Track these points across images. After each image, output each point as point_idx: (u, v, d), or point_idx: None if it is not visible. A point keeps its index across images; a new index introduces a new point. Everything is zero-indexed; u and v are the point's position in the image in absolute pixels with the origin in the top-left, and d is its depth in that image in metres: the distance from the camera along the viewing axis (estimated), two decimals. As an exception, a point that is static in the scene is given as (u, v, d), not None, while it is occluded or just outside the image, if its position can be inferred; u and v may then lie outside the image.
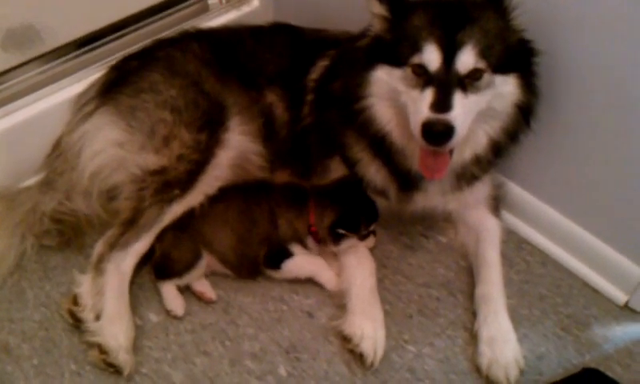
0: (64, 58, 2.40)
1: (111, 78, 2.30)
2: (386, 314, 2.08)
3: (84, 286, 2.05)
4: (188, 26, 2.55)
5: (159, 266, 2.13)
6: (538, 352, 2.04)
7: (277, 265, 2.16)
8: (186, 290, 2.16)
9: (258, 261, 2.17)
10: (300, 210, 2.17)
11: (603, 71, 1.91)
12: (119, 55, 2.41)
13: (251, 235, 2.15)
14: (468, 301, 2.16)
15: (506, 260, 2.23)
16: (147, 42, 2.43)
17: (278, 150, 2.33)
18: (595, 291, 2.21)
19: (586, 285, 2.23)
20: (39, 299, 2.16)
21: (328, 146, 2.22)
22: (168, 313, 2.11)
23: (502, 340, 1.99)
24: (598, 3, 1.82)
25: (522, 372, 1.97)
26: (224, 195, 2.19)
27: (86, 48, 2.44)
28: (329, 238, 2.13)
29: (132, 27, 2.53)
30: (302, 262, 2.18)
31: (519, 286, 2.20)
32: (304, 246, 2.19)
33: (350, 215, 2.12)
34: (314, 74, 2.26)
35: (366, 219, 2.15)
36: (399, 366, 2.02)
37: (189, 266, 2.11)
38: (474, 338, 2.04)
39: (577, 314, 2.15)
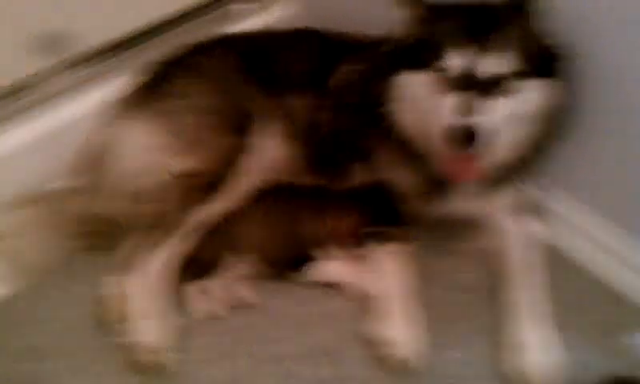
0: (95, 63, 2.44)
1: (141, 83, 2.33)
2: (420, 319, 2.07)
3: (111, 287, 2.09)
4: (215, 31, 2.58)
5: (187, 267, 2.15)
6: (569, 359, 2.00)
7: (300, 268, 2.17)
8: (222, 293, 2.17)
9: (282, 263, 2.18)
10: (325, 213, 2.19)
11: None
12: (148, 60, 2.43)
13: (276, 238, 2.16)
14: (497, 306, 2.13)
15: (536, 265, 2.19)
16: (177, 47, 2.46)
17: (303, 154, 2.34)
18: (625, 299, 2.17)
19: (615, 292, 2.19)
20: (67, 300, 2.18)
21: (352, 151, 2.22)
22: (193, 315, 2.12)
23: (532, 346, 1.97)
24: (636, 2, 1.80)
25: (551, 379, 1.94)
26: (252, 197, 2.21)
27: (116, 53, 2.48)
28: (354, 241, 2.13)
29: (161, 32, 2.56)
30: (327, 267, 2.18)
31: (550, 292, 2.15)
32: (329, 250, 2.19)
33: (373, 214, 2.12)
34: (338, 78, 2.27)
35: (391, 221, 2.14)
36: (424, 370, 2.00)
37: (215, 268, 2.13)
38: (503, 343, 2.02)
39: (605, 322, 2.11)
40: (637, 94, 1.93)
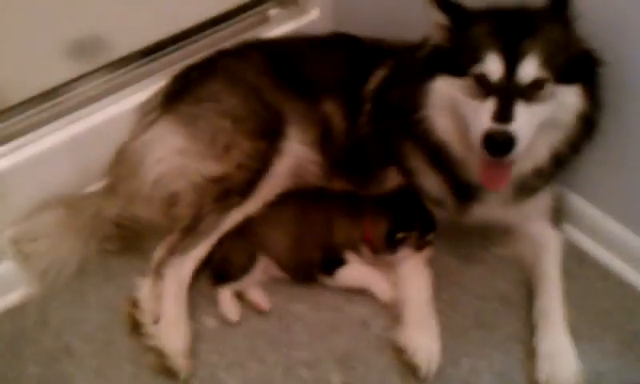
0: (128, 68, 2.45)
1: (174, 88, 2.35)
2: (442, 326, 2.06)
3: (144, 290, 2.10)
4: (248, 36, 2.60)
5: (217, 270, 2.17)
6: (598, 369, 1.99)
7: (330, 271, 2.17)
8: (242, 297, 2.18)
9: (312, 266, 2.18)
10: (355, 217, 2.19)
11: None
12: (181, 65, 2.46)
13: (306, 239, 2.17)
14: (526, 314, 2.12)
15: (566, 274, 2.17)
16: (209, 52, 2.48)
17: (335, 159, 2.33)
18: (659, 308, 2.15)
19: (650, 301, 2.18)
20: (100, 302, 2.20)
21: (385, 156, 2.22)
22: (223, 318, 2.12)
23: (560, 356, 1.95)
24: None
25: (581, 387, 1.93)
26: (281, 198, 2.22)
27: (150, 58, 2.49)
28: (385, 247, 2.13)
29: (194, 37, 2.57)
30: (355, 271, 2.18)
31: (580, 301, 2.14)
32: (359, 254, 2.19)
33: (405, 218, 2.12)
34: (372, 83, 2.27)
35: (422, 226, 2.14)
36: (454, 379, 1.99)
37: (245, 269, 2.14)
38: (531, 352, 2.00)
39: (638, 331, 2.09)
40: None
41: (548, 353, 1.96)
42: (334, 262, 2.17)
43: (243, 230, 2.17)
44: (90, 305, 2.20)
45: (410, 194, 2.17)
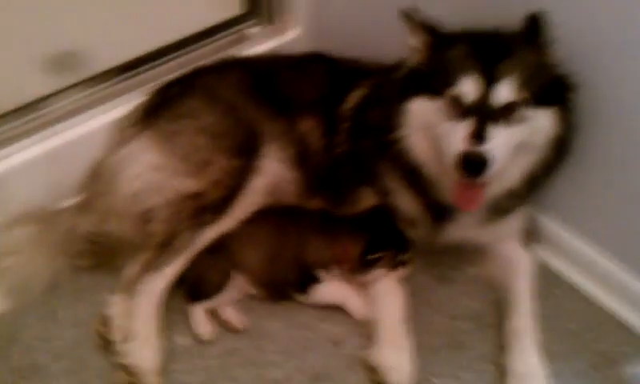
0: (105, 84, 2.45)
1: (151, 104, 2.35)
2: (415, 345, 2.06)
3: (115, 307, 2.08)
4: (228, 54, 2.62)
5: (192, 287, 2.15)
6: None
7: (305, 289, 2.17)
8: (215, 315, 2.17)
9: (287, 284, 2.18)
10: (330, 237, 2.19)
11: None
12: (160, 81, 2.46)
13: (281, 258, 2.17)
14: (497, 334, 2.14)
15: (537, 294, 2.20)
16: (188, 69, 2.49)
17: (312, 177, 2.34)
18: (627, 328, 2.19)
19: (617, 322, 2.21)
20: (70, 319, 2.17)
21: (361, 175, 2.23)
22: (196, 337, 2.11)
23: (531, 376, 1.97)
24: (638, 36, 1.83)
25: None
26: (256, 216, 2.22)
27: (127, 74, 2.49)
28: (359, 266, 2.14)
29: (173, 54, 2.58)
30: (330, 288, 2.19)
31: (550, 321, 2.17)
32: (333, 273, 2.19)
33: (379, 239, 2.13)
34: (350, 103, 2.29)
35: (397, 246, 2.16)
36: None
37: (220, 287, 2.13)
38: (502, 372, 2.02)
39: (607, 352, 2.13)
40: (633, 126, 1.97)
41: (519, 373, 1.97)
42: (308, 280, 2.17)
43: (218, 248, 2.16)
44: (60, 321, 2.16)
45: (385, 214, 2.18)
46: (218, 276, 2.14)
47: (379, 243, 2.13)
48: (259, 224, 2.22)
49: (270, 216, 2.24)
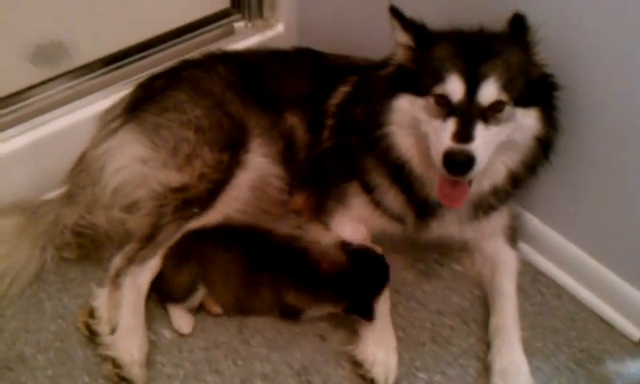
0: (91, 75, 2.44)
1: (137, 96, 2.35)
2: (399, 340, 2.08)
3: (101, 299, 2.08)
4: (214, 47, 2.60)
5: (160, 289, 2.13)
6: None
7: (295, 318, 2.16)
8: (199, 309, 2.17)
9: (261, 313, 2.17)
10: (310, 296, 2.10)
11: (626, 106, 1.92)
12: (146, 74, 2.46)
13: (252, 300, 2.13)
14: (481, 331, 2.15)
15: (521, 291, 2.22)
16: (173, 62, 2.48)
17: (297, 172, 2.35)
18: (610, 326, 2.21)
19: (600, 319, 2.23)
20: (56, 311, 2.17)
21: (347, 171, 2.23)
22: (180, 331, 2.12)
23: (514, 372, 1.98)
24: (622, 38, 1.83)
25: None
26: (229, 244, 2.13)
27: (113, 66, 2.48)
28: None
29: (159, 47, 2.57)
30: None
31: (534, 318, 2.20)
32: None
33: (361, 304, 2.05)
34: (336, 98, 2.29)
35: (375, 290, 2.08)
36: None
37: (186, 295, 2.10)
38: (486, 368, 2.03)
39: (590, 349, 2.15)
40: (620, 125, 1.97)
41: (502, 369, 1.98)
42: (294, 312, 2.14)
43: (188, 258, 2.10)
44: (45, 313, 2.17)
45: (362, 274, 2.06)
46: (184, 286, 2.10)
47: (361, 309, 2.05)
48: (230, 256, 2.11)
49: (240, 253, 2.11)
